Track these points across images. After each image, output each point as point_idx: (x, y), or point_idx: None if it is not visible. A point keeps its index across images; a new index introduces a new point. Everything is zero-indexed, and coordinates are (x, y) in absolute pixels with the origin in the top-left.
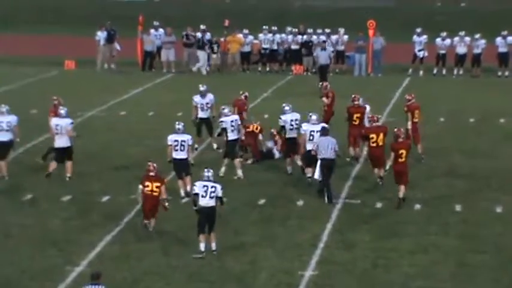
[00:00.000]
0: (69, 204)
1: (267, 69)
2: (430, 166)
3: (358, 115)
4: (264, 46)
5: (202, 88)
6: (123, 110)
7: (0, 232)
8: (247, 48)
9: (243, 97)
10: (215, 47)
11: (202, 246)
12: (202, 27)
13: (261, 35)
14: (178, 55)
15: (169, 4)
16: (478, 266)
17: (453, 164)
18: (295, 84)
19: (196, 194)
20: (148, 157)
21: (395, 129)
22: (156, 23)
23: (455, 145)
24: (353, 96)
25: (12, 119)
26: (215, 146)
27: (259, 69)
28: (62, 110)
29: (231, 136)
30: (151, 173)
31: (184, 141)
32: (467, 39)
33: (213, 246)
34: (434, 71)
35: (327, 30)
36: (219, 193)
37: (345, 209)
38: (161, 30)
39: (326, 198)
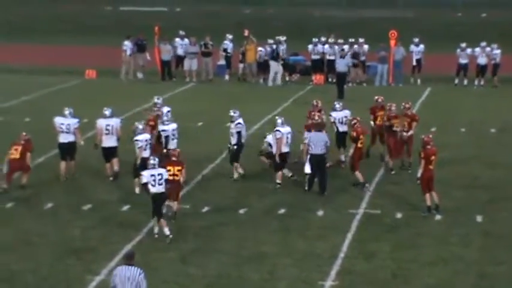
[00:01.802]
0: (89, 213)
1: (286, 79)
2: (450, 176)
3: (381, 113)
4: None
5: (106, 112)
6: (143, 119)
7: (20, 240)
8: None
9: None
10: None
11: (164, 231)
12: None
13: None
14: (200, 65)
15: (189, 14)
16: (499, 278)
17: (474, 175)
18: (315, 94)
19: (146, 184)
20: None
21: (424, 137)
22: (181, 32)
23: (476, 155)
24: (376, 97)
25: (72, 121)
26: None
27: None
28: (107, 111)
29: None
30: (174, 158)
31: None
32: (488, 49)
33: (166, 231)
34: (456, 82)
35: (351, 40)
36: (166, 176)
37: (365, 219)
38: (186, 40)
39: (319, 189)
